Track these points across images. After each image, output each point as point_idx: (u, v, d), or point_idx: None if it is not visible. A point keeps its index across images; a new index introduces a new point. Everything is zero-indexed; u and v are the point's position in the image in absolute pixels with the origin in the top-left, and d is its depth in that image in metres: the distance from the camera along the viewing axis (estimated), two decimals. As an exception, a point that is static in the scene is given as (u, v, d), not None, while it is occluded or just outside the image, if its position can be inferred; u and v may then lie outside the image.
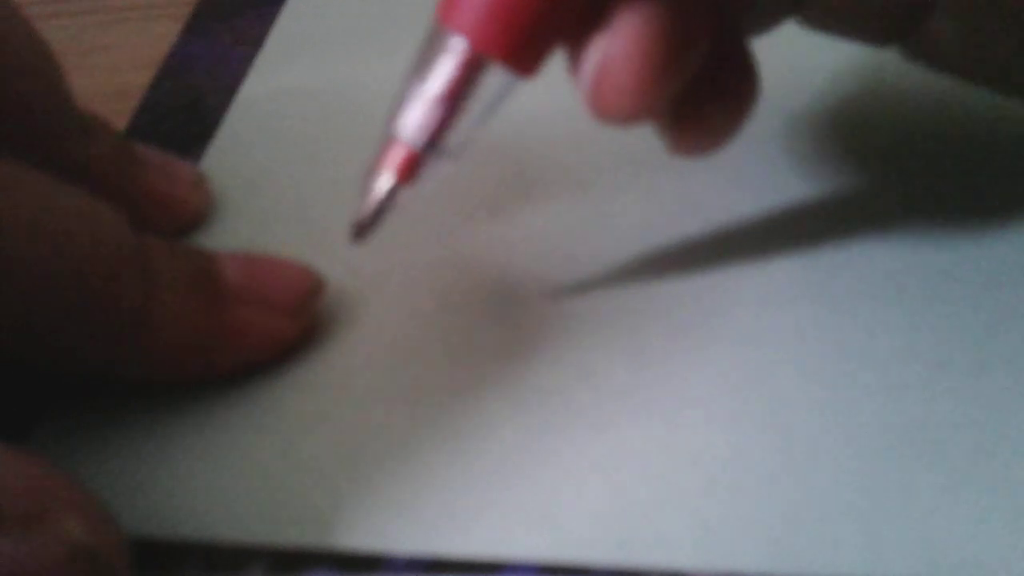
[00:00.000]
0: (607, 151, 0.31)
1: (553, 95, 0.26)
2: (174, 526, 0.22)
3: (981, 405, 0.24)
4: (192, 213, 0.29)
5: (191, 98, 0.33)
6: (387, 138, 0.22)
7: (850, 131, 0.30)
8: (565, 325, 0.26)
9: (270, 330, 0.25)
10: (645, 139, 0.31)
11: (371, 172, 0.23)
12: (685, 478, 0.23)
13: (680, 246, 0.28)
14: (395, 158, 0.22)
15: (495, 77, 0.22)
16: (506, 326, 0.26)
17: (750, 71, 0.25)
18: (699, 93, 0.24)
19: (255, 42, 0.35)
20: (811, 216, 0.28)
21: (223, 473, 0.23)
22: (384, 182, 0.23)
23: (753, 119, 0.26)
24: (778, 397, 0.24)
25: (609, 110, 0.23)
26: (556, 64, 0.23)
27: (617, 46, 0.22)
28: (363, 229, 0.23)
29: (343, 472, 0.23)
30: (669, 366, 0.25)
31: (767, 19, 0.26)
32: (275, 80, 0.34)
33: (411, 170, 0.22)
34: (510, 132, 0.31)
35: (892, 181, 0.30)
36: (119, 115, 0.33)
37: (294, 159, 0.31)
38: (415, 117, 0.22)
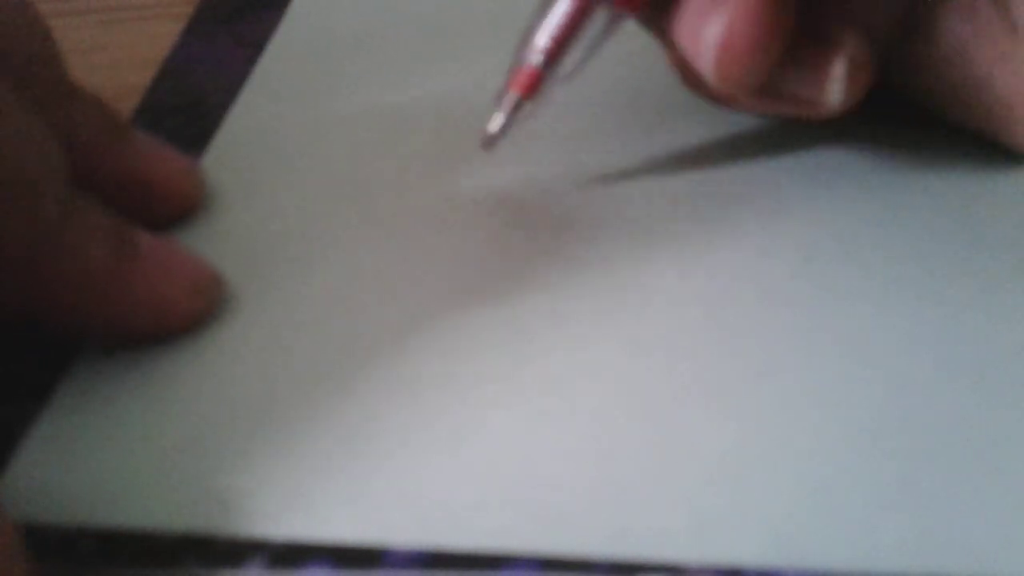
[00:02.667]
0: (605, 148, 0.31)
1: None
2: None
3: (982, 400, 0.24)
4: (180, 200, 0.29)
5: (191, 99, 0.34)
6: (514, 64, 0.27)
7: (852, 122, 0.30)
8: (562, 316, 0.26)
9: (168, 299, 0.26)
10: (646, 139, 0.31)
11: (501, 91, 0.27)
12: (684, 471, 0.23)
13: (680, 239, 0.28)
14: (521, 78, 0.27)
15: (603, 13, 0.27)
16: (505, 318, 0.26)
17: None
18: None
19: (255, 44, 0.35)
20: (813, 210, 0.28)
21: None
22: (511, 98, 0.27)
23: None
24: (778, 391, 0.24)
25: (732, 75, 0.26)
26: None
27: (737, 19, 0.26)
28: (492, 138, 0.28)
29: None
30: (669, 359, 0.25)
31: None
32: (277, 83, 0.34)
33: (533, 87, 0.27)
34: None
35: (894, 177, 0.30)
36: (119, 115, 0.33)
37: (293, 160, 0.31)
38: (538, 44, 0.27)
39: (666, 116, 0.31)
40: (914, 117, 0.30)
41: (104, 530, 0.22)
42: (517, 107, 0.27)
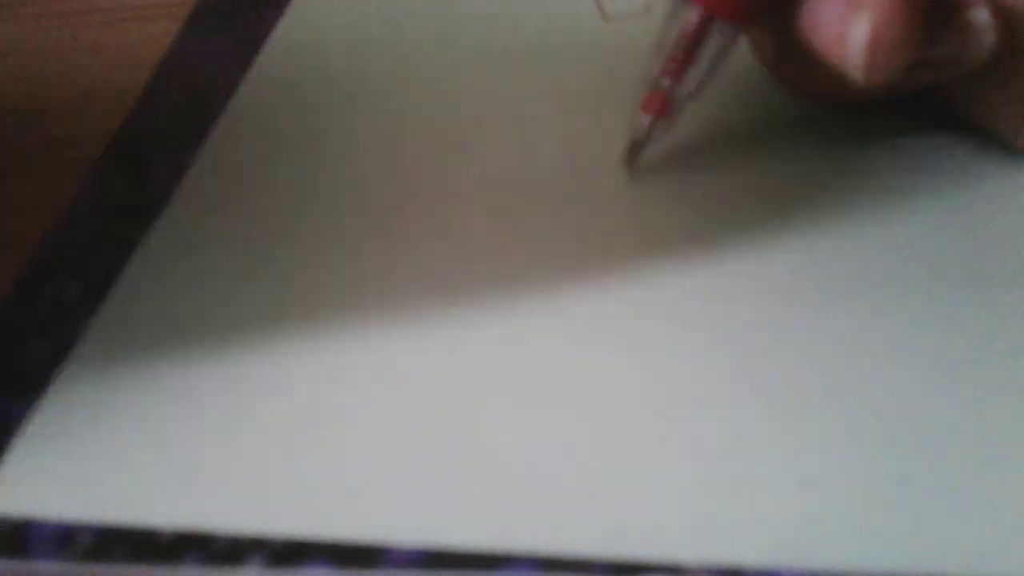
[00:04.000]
0: (603, 150, 0.31)
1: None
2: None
3: (981, 400, 0.24)
4: None
5: (189, 97, 0.34)
6: (645, 88, 0.29)
7: (850, 120, 0.30)
8: (562, 315, 0.26)
9: None
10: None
11: (635, 112, 0.29)
12: (684, 471, 0.23)
13: (679, 237, 0.28)
14: (653, 100, 0.29)
15: (720, 31, 0.29)
16: (504, 317, 0.26)
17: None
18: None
19: (253, 43, 0.35)
20: (812, 209, 0.28)
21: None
22: (646, 119, 0.29)
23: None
24: (777, 391, 0.24)
25: (885, 72, 0.27)
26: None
27: (884, 14, 0.27)
28: (633, 157, 0.30)
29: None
30: (668, 358, 0.25)
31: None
32: (275, 80, 0.34)
33: (665, 107, 0.29)
34: (507, 134, 0.32)
35: (892, 177, 0.30)
36: (117, 114, 0.33)
37: (291, 159, 0.31)
38: (664, 69, 0.29)
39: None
40: (915, 111, 0.30)
41: (101, 526, 0.22)
42: (652, 126, 0.29)
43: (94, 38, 0.37)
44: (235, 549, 0.22)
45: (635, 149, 0.30)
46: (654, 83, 0.29)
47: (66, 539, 0.22)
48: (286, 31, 0.36)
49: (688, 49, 0.29)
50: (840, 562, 0.21)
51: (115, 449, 0.23)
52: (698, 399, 0.24)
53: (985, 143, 0.30)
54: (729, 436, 0.23)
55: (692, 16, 0.29)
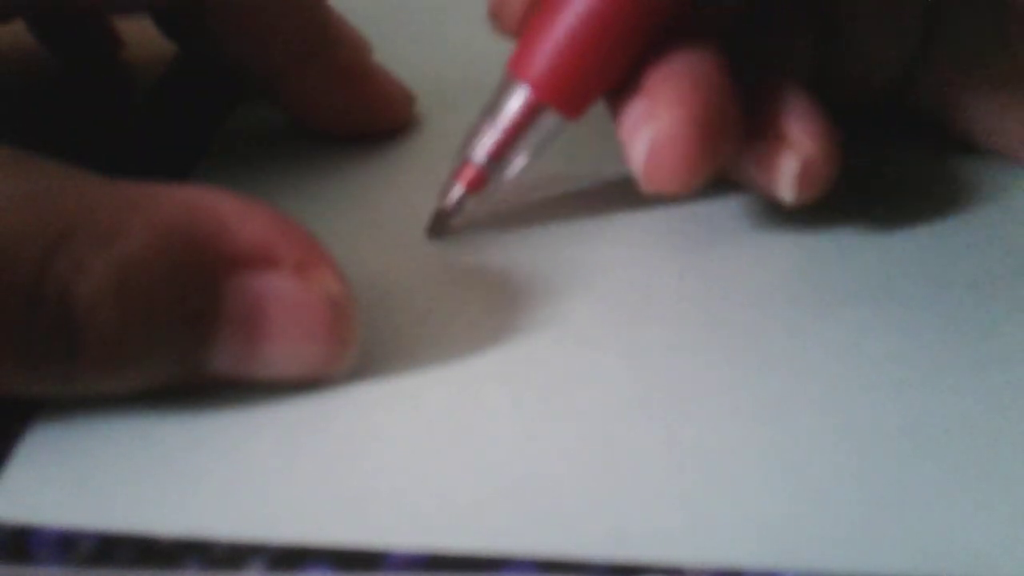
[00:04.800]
0: (605, 161, 0.31)
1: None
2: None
3: (978, 402, 0.24)
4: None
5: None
6: (461, 159, 0.29)
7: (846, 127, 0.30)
8: (563, 322, 0.26)
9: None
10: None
11: (447, 184, 0.29)
12: (683, 472, 0.23)
13: (679, 240, 0.28)
14: (467, 174, 0.29)
15: (548, 118, 0.28)
16: (504, 324, 0.26)
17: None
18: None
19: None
20: (810, 213, 0.28)
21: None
22: (456, 191, 0.29)
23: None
24: (776, 393, 0.24)
25: (662, 186, 0.27)
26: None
27: (662, 132, 0.26)
28: (438, 228, 0.29)
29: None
30: (667, 362, 0.25)
31: None
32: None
33: (478, 183, 0.29)
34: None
35: (889, 179, 0.30)
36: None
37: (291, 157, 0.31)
38: (485, 144, 0.28)
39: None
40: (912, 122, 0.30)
41: (102, 532, 0.22)
42: (462, 200, 0.29)
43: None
44: (235, 553, 0.22)
45: (441, 219, 0.29)
46: (472, 155, 0.28)
47: (68, 544, 0.22)
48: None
49: (513, 131, 0.28)
50: (839, 564, 0.21)
51: (117, 456, 0.23)
52: (697, 401, 0.24)
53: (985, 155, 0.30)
54: (728, 438, 0.23)
55: (521, 97, 0.28)
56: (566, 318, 0.26)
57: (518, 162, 0.28)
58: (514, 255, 0.28)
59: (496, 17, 0.29)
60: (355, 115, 0.32)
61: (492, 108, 0.28)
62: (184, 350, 0.23)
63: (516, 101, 0.28)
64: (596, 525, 0.22)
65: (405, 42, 0.37)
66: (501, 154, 0.28)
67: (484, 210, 0.29)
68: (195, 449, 0.23)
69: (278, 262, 0.23)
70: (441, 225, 0.29)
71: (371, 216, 0.30)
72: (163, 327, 0.23)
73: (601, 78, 0.28)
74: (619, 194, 0.30)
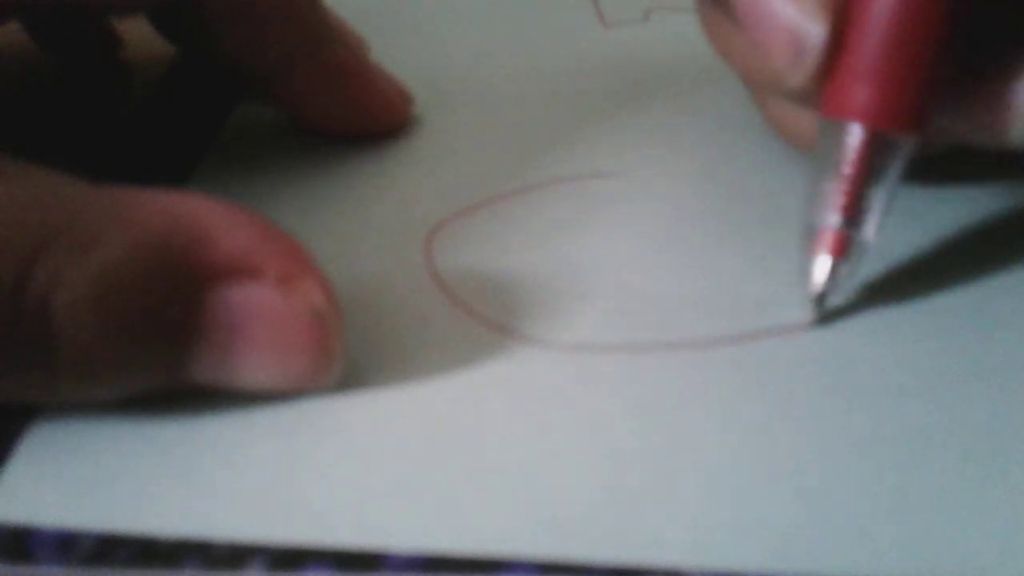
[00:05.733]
0: (604, 162, 0.31)
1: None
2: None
3: (978, 408, 0.24)
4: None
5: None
6: (814, 229, 0.26)
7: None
8: (564, 326, 0.26)
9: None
10: (642, 151, 0.31)
11: (810, 257, 0.26)
12: (684, 478, 0.23)
13: (681, 243, 0.28)
14: (827, 241, 0.26)
15: (894, 146, 0.25)
16: (504, 329, 0.26)
17: None
18: None
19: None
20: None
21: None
22: (824, 262, 0.26)
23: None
24: (776, 398, 0.24)
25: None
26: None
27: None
28: (822, 313, 0.26)
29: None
30: (668, 366, 0.25)
31: None
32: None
33: (842, 247, 0.26)
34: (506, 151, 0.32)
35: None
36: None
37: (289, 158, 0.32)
38: (832, 203, 0.26)
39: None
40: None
41: (102, 532, 0.22)
42: (834, 271, 0.26)
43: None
44: (235, 553, 0.22)
45: (821, 302, 0.26)
46: (822, 221, 0.26)
47: (68, 544, 0.22)
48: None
49: (859, 175, 0.25)
50: (840, 568, 0.21)
51: (116, 456, 0.23)
52: (698, 408, 0.24)
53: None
54: (729, 442, 0.23)
55: (856, 137, 0.25)
56: (565, 320, 0.26)
57: (876, 209, 0.26)
58: (513, 256, 0.28)
59: (793, 141, 0.29)
60: (352, 114, 0.32)
61: (821, 167, 0.26)
62: (163, 361, 0.23)
63: (852, 142, 0.25)
64: (596, 528, 0.22)
65: (403, 42, 0.37)
66: (854, 205, 0.26)
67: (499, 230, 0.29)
68: (195, 449, 0.23)
69: (260, 273, 0.23)
70: (823, 308, 0.26)
71: (369, 217, 0.30)
72: (140, 338, 0.23)
73: (930, 78, 0.25)
74: (619, 195, 0.30)
